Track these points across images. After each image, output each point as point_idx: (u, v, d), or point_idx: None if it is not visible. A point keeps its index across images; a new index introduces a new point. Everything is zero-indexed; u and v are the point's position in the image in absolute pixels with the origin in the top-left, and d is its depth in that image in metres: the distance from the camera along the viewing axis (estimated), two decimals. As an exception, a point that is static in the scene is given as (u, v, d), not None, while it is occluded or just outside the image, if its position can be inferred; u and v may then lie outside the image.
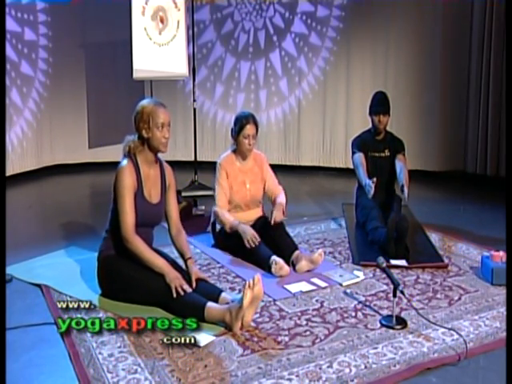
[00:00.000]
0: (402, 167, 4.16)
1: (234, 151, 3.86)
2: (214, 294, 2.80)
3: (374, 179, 3.87)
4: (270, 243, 3.55)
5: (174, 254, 3.16)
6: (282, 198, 3.85)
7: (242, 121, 3.73)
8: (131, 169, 2.91)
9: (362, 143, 4.29)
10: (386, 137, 4.33)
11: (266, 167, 3.96)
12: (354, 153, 4.29)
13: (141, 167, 2.96)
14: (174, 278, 2.76)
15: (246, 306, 2.57)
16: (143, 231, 2.95)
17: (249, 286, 2.56)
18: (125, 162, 2.92)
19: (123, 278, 2.88)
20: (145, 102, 2.99)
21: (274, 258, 3.38)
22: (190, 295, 2.72)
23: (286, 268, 3.35)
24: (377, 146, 4.30)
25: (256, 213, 3.91)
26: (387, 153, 4.30)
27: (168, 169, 3.14)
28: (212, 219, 3.90)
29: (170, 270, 2.81)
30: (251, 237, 3.50)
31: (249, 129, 3.72)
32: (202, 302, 2.68)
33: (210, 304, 2.68)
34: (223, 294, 2.81)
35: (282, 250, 3.51)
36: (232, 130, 3.82)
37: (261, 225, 3.73)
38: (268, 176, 3.94)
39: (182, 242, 3.08)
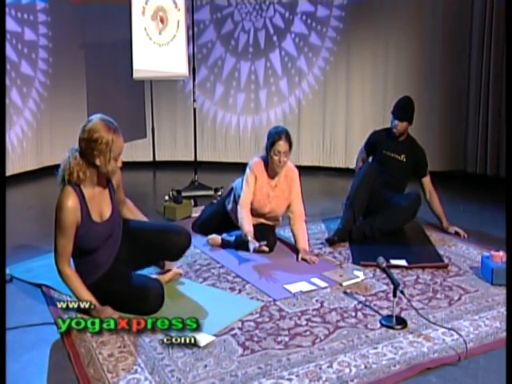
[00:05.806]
0: (432, 195, 4.29)
1: (265, 162, 3.73)
2: None
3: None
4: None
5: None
6: (303, 237, 3.71)
7: (274, 136, 3.61)
8: (74, 202, 2.64)
9: (374, 142, 4.33)
10: (406, 141, 4.23)
11: (296, 186, 3.78)
12: (363, 149, 4.43)
13: (85, 192, 2.72)
14: (102, 314, 2.68)
15: None
16: (107, 245, 2.84)
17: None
18: (67, 194, 2.65)
19: (115, 297, 2.78)
20: (102, 130, 2.65)
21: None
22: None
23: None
24: (395, 146, 4.21)
25: None
26: (403, 158, 4.20)
27: None
28: (229, 207, 3.93)
29: (98, 305, 2.73)
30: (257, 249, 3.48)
31: (280, 145, 3.58)
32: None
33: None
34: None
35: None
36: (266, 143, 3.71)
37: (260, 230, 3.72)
38: (294, 197, 3.77)
39: (130, 210, 3.15)
